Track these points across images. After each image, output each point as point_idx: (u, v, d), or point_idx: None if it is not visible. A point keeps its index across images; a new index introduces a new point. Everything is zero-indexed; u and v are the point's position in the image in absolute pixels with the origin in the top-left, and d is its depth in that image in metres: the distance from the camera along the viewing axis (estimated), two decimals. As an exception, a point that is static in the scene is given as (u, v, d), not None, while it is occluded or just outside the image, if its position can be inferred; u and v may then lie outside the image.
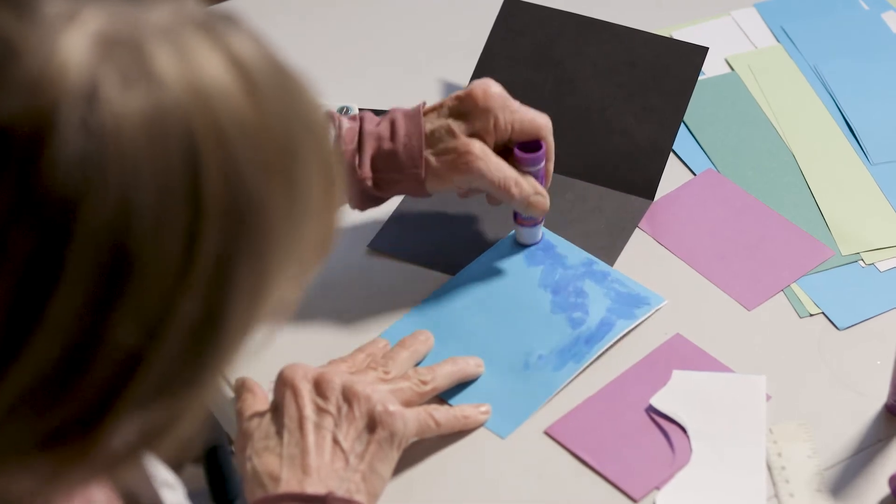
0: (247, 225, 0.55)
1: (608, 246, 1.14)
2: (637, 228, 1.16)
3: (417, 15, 1.38)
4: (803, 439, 1.00)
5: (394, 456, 0.95)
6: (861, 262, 1.13)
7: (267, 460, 0.93)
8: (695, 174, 1.21)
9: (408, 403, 0.98)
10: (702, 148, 1.23)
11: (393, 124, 1.07)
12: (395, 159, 1.06)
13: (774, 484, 0.98)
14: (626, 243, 1.15)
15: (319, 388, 0.96)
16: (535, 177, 1.08)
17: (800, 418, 1.02)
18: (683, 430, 1.01)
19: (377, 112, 1.26)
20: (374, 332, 1.08)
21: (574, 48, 1.24)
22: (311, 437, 0.93)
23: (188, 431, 0.59)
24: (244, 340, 0.58)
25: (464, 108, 1.06)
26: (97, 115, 0.51)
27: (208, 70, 0.54)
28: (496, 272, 1.11)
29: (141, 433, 0.57)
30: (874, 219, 1.17)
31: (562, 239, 1.14)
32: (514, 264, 1.12)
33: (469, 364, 1.04)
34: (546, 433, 1.02)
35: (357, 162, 1.06)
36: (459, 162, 1.05)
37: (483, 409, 1.02)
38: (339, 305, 1.10)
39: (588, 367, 1.06)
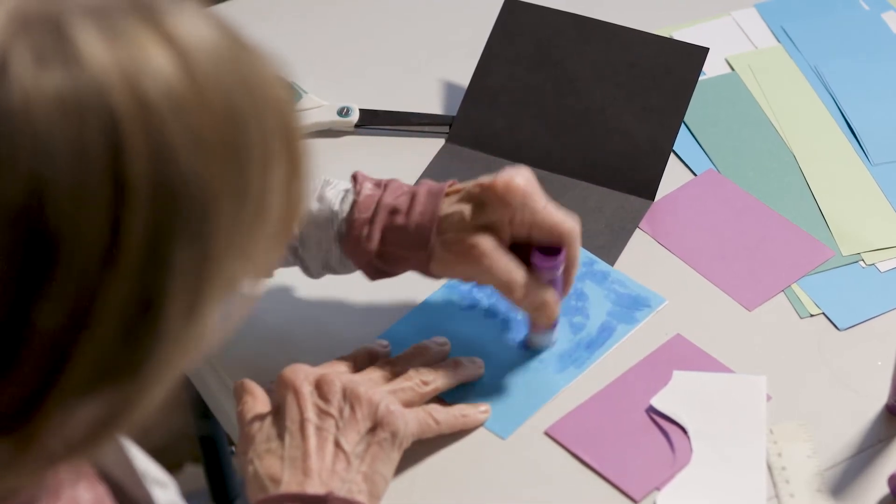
0: (182, 206, 0.53)
1: (608, 246, 1.14)
2: (637, 229, 1.16)
3: (418, 14, 1.38)
4: (803, 439, 1.00)
5: (395, 457, 0.95)
6: (861, 263, 1.13)
7: (268, 462, 0.93)
8: (695, 174, 1.21)
9: (409, 404, 0.98)
10: (702, 148, 1.23)
11: (413, 199, 1.01)
12: (405, 236, 1.01)
13: (774, 484, 0.98)
14: (627, 244, 1.15)
15: (321, 389, 0.95)
16: (551, 282, 1.01)
17: (800, 418, 1.02)
18: (684, 430, 1.01)
19: (377, 112, 1.26)
20: (373, 333, 1.08)
21: (574, 48, 1.24)
22: (312, 439, 0.93)
23: (147, 418, 0.58)
24: (192, 327, 0.56)
25: (483, 197, 0.99)
26: (4, 92, 0.50)
27: (137, 48, 0.53)
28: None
29: (94, 419, 0.56)
30: (874, 219, 1.17)
31: (562, 239, 1.14)
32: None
33: (470, 365, 1.03)
34: (546, 433, 1.02)
35: (366, 232, 1.01)
36: (465, 254, 0.99)
37: (482, 408, 1.02)
38: (339, 305, 1.10)
39: (587, 369, 1.06)
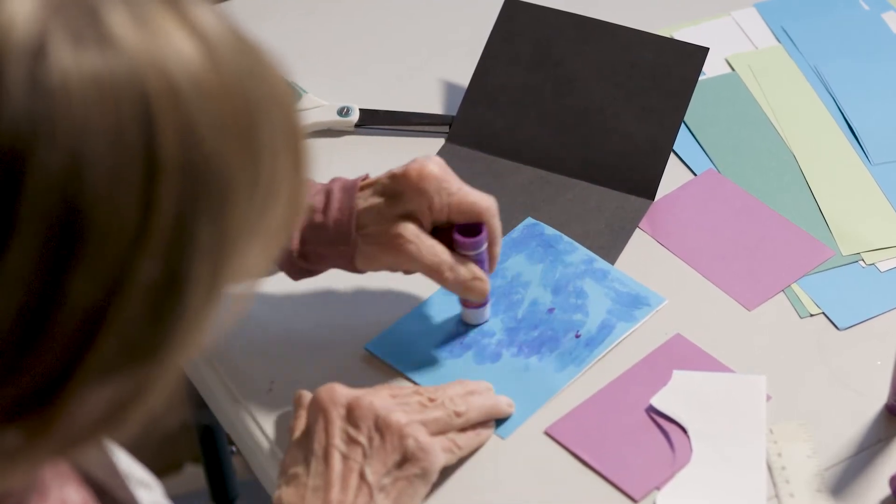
0: (206, 186, 0.55)
1: (608, 246, 1.14)
2: (637, 229, 1.16)
3: (418, 14, 1.38)
4: (803, 439, 1.00)
5: (423, 492, 0.94)
6: (861, 263, 1.13)
7: (291, 491, 0.92)
8: (695, 174, 1.21)
9: (438, 433, 0.96)
10: (702, 148, 1.23)
11: (328, 196, 1.02)
12: (324, 233, 1.02)
13: (774, 484, 0.98)
14: (627, 243, 1.15)
15: (352, 414, 0.93)
16: (476, 261, 1.03)
17: (800, 418, 1.02)
18: (684, 430, 1.01)
19: (377, 112, 1.26)
20: (374, 331, 1.08)
21: (574, 48, 1.24)
22: (336, 468, 0.91)
23: (156, 406, 0.59)
24: (209, 308, 0.58)
25: (398, 188, 1.01)
26: (44, 70, 0.52)
27: (164, 34, 0.54)
28: (496, 272, 1.11)
29: (107, 405, 0.57)
30: (874, 219, 1.17)
31: (563, 236, 1.14)
32: (514, 263, 1.12)
33: (501, 401, 1.01)
34: (546, 433, 1.02)
35: None
36: (390, 244, 1.01)
37: (489, 423, 1.01)
38: (338, 305, 1.10)
39: (588, 367, 1.06)
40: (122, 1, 0.54)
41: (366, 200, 1.02)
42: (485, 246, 1.03)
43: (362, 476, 0.91)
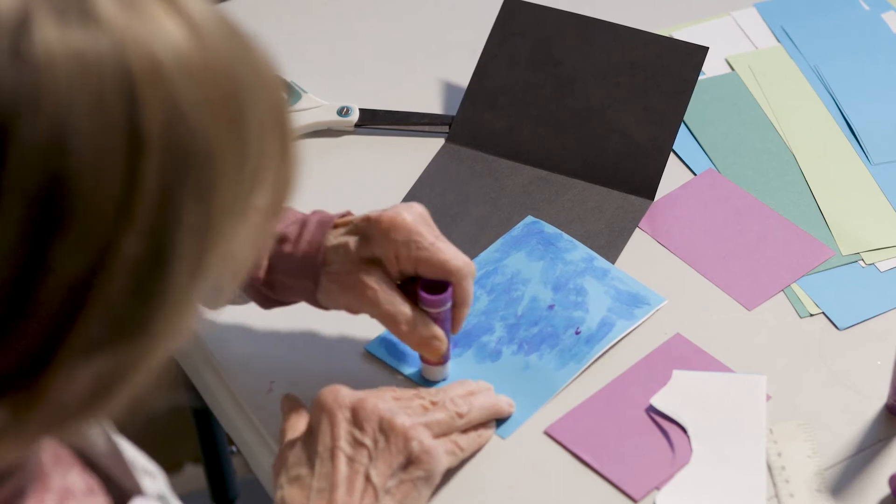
0: (191, 163, 0.55)
1: (608, 246, 1.14)
2: (637, 228, 1.16)
3: (418, 14, 1.38)
4: (803, 439, 1.01)
5: (426, 494, 0.93)
6: (861, 262, 1.13)
7: (295, 492, 0.91)
8: (695, 174, 1.21)
9: (440, 435, 0.96)
10: (702, 148, 1.23)
11: (302, 228, 1.00)
12: (291, 264, 1.00)
13: (774, 484, 0.98)
14: (626, 243, 1.15)
15: (357, 416, 0.93)
16: (437, 319, 1.00)
17: (800, 418, 1.02)
18: (683, 430, 1.01)
19: (377, 112, 1.26)
20: (373, 333, 1.08)
21: (574, 48, 1.24)
22: (342, 470, 0.91)
23: (142, 386, 0.59)
24: (194, 287, 0.58)
25: (369, 231, 0.99)
26: (28, 44, 0.52)
27: (151, 14, 0.55)
28: (496, 269, 1.11)
29: (93, 383, 0.57)
30: (874, 219, 1.17)
31: (563, 234, 1.14)
32: (514, 260, 1.12)
33: (502, 401, 1.01)
34: (546, 433, 1.02)
35: None
36: (351, 286, 0.99)
37: (490, 423, 1.00)
38: (339, 305, 1.11)
39: (588, 367, 1.06)
40: None
41: (336, 238, 1.00)
42: (448, 305, 1.00)
43: (368, 478, 0.91)
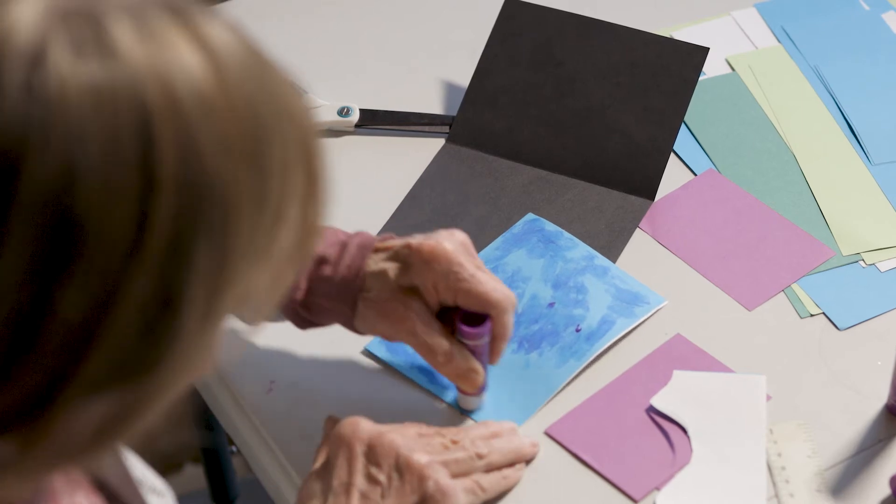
0: (206, 205, 0.54)
1: (608, 246, 1.14)
2: (637, 229, 1.16)
3: (418, 14, 1.38)
4: (803, 439, 1.00)
5: None
6: (861, 263, 1.13)
7: None
8: (695, 174, 1.21)
9: (460, 475, 0.94)
10: (702, 148, 1.23)
11: (343, 250, 0.98)
12: (330, 287, 0.98)
13: (774, 484, 0.98)
14: (627, 243, 1.15)
15: (373, 452, 0.91)
16: (475, 351, 0.98)
17: (800, 418, 1.02)
18: (683, 430, 1.01)
19: (377, 112, 1.26)
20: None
21: (574, 48, 1.24)
22: None
23: (155, 421, 0.58)
24: (207, 328, 0.56)
25: (409, 259, 0.96)
26: (42, 78, 0.51)
27: (171, 47, 0.53)
28: (496, 266, 1.11)
29: (103, 419, 0.56)
30: (874, 219, 1.17)
31: (563, 232, 1.14)
32: (515, 258, 1.12)
33: (525, 444, 0.98)
34: (546, 433, 1.02)
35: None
36: (388, 314, 0.97)
37: (518, 465, 0.98)
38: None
39: (588, 366, 1.06)
40: (128, 12, 0.53)
41: (376, 264, 0.97)
42: (486, 339, 0.98)
43: None
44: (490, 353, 0.99)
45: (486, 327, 0.97)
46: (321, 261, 0.98)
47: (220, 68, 0.54)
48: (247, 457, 1.06)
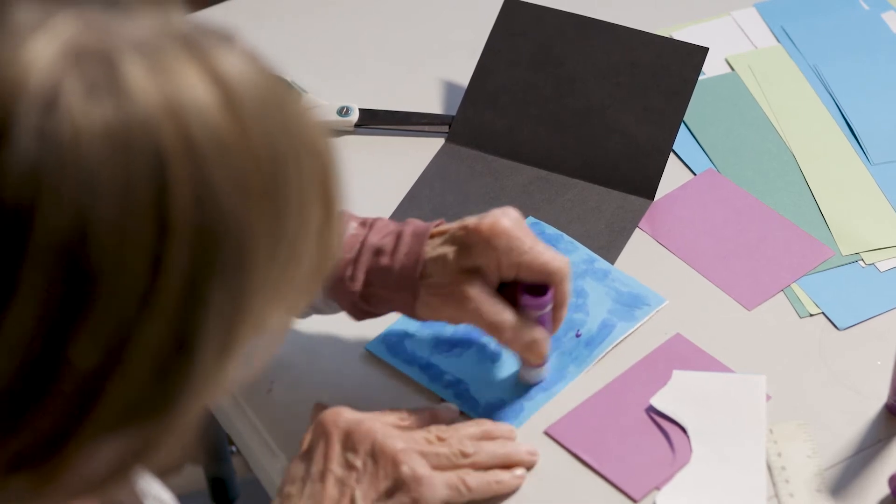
0: (221, 248, 0.53)
1: (608, 246, 1.14)
2: (637, 228, 1.16)
3: (418, 14, 1.38)
4: (803, 439, 1.00)
5: None
6: (861, 262, 1.13)
7: None
8: (695, 174, 1.21)
9: (440, 468, 0.93)
10: (702, 148, 1.23)
11: (398, 239, 0.99)
12: (389, 277, 0.98)
13: (774, 484, 0.98)
14: (626, 243, 1.15)
15: (350, 439, 0.92)
16: (539, 320, 1.00)
17: (800, 418, 1.02)
18: (683, 430, 1.01)
19: (376, 112, 1.26)
20: (373, 332, 1.08)
21: (574, 48, 1.24)
22: (331, 493, 0.90)
23: (171, 456, 0.58)
24: (222, 367, 0.56)
25: (468, 241, 0.97)
26: (55, 123, 0.50)
27: (185, 86, 0.52)
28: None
29: (118, 457, 0.56)
30: (874, 218, 1.17)
31: (564, 235, 1.14)
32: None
33: (520, 451, 0.98)
34: (546, 433, 1.02)
35: (350, 273, 0.98)
36: (452, 298, 0.97)
37: (518, 472, 0.98)
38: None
39: (589, 368, 1.05)
40: (142, 50, 0.52)
41: (434, 249, 0.98)
42: (549, 307, 1.00)
43: (352, 501, 0.90)
44: (553, 321, 1.01)
45: (549, 296, 0.99)
46: (378, 251, 0.98)
47: (235, 105, 0.53)
48: (247, 457, 1.06)
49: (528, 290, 0.99)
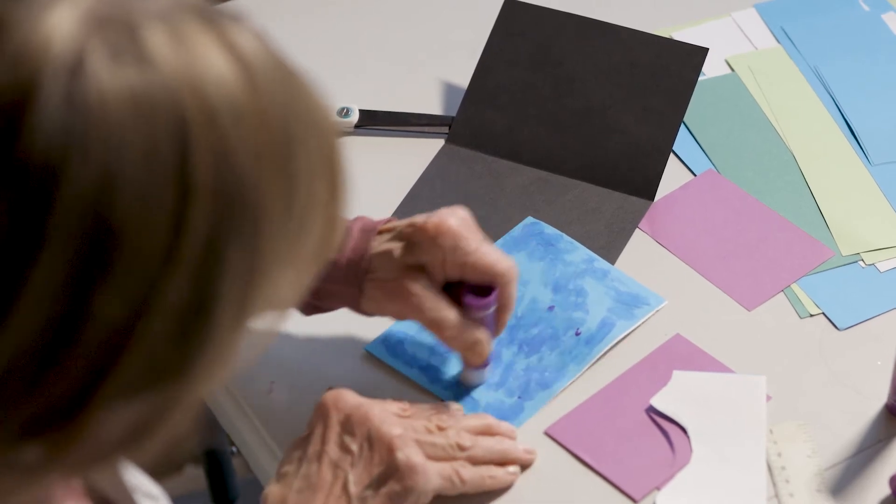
0: (238, 211, 0.55)
1: (608, 247, 1.14)
2: (637, 229, 1.16)
3: (418, 15, 1.38)
4: (803, 439, 1.01)
5: None
6: (861, 263, 1.14)
7: (277, 489, 0.91)
8: (695, 174, 1.21)
9: (436, 458, 0.94)
10: (702, 148, 1.23)
11: (347, 234, 0.99)
12: (336, 272, 0.99)
13: (774, 484, 0.98)
14: (626, 244, 1.15)
15: (349, 422, 0.92)
16: (483, 321, 1.00)
17: (800, 418, 1.02)
18: (683, 430, 1.01)
19: (376, 113, 1.26)
20: (373, 333, 1.08)
21: (574, 48, 1.24)
22: (325, 474, 0.91)
23: (179, 428, 0.59)
24: (236, 333, 0.57)
25: (414, 238, 0.98)
26: (81, 87, 0.52)
27: (204, 55, 0.54)
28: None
29: (130, 425, 0.57)
30: (874, 219, 1.17)
31: (563, 235, 1.14)
32: (515, 261, 1.12)
33: (517, 450, 0.98)
34: (546, 433, 1.02)
35: None
36: (395, 293, 0.98)
37: (511, 469, 0.98)
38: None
39: (588, 367, 1.06)
40: (162, 20, 0.54)
41: (381, 245, 0.99)
42: (492, 308, 1.00)
43: (345, 485, 0.90)
44: (496, 324, 1.01)
45: (492, 298, 0.99)
46: None
47: (251, 76, 0.55)
48: (247, 457, 1.06)
49: (472, 291, 0.99)
